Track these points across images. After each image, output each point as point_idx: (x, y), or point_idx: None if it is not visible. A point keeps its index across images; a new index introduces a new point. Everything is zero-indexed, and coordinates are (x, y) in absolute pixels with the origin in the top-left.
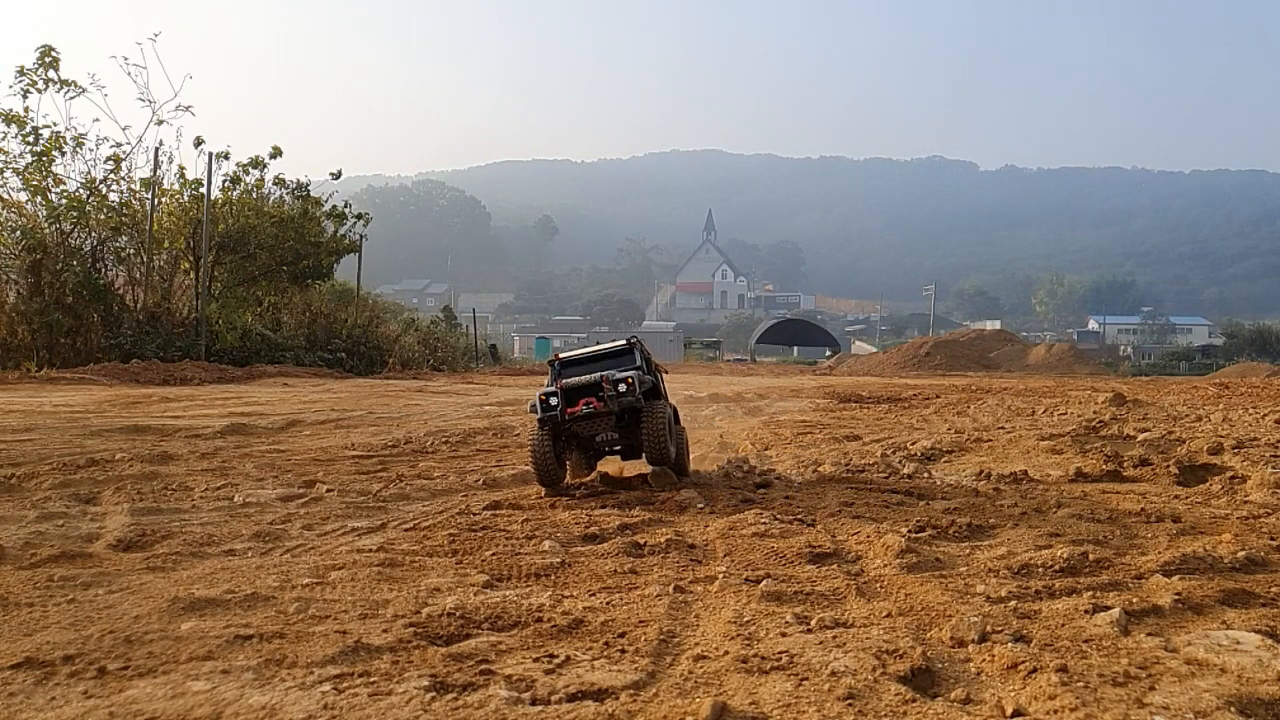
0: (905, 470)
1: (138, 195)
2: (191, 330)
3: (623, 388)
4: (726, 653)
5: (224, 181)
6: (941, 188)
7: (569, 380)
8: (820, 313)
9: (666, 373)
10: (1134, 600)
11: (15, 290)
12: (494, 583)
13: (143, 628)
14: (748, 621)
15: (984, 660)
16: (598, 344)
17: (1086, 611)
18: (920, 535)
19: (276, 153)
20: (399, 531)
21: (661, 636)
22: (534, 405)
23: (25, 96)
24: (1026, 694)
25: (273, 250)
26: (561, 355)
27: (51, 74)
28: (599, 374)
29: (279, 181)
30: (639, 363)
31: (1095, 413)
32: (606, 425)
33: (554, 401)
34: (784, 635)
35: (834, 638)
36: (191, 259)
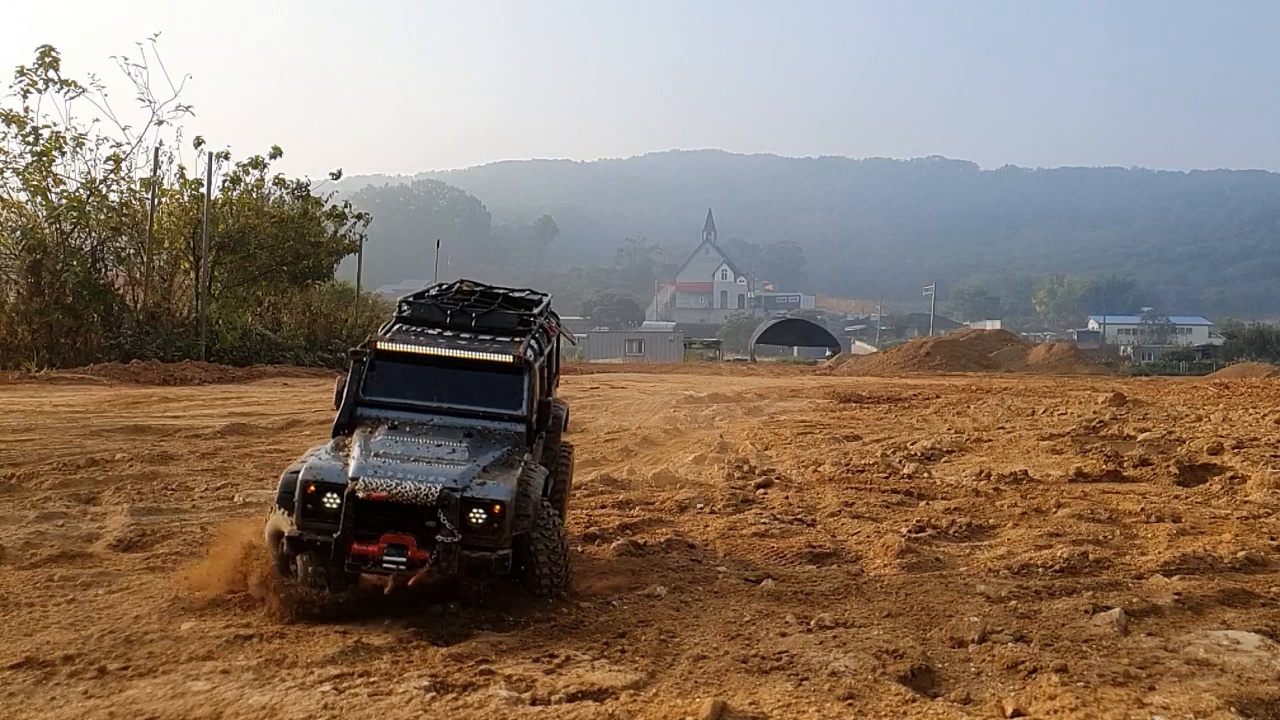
0: (905, 470)
1: (138, 195)
2: (191, 330)
3: (479, 518)
4: (726, 653)
5: (224, 181)
6: (941, 188)
7: (373, 480)
8: (820, 313)
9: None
10: (1134, 600)
11: (15, 290)
12: None
13: (143, 628)
14: (748, 621)
15: (984, 660)
16: (458, 287)
17: (1086, 611)
18: (920, 535)
19: (276, 153)
20: None
21: (661, 636)
22: (281, 500)
23: (25, 96)
24: (1026, 694)
25: (273, 250)
26: (380, 342)
27: (51, 74)
28: (441, 484)
29: (279, 181)
30: (525, 410)
31: (1095, 413)
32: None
33: (328, 505)
34: (784, 635)
35: (834, 638)
36: (191, 259)
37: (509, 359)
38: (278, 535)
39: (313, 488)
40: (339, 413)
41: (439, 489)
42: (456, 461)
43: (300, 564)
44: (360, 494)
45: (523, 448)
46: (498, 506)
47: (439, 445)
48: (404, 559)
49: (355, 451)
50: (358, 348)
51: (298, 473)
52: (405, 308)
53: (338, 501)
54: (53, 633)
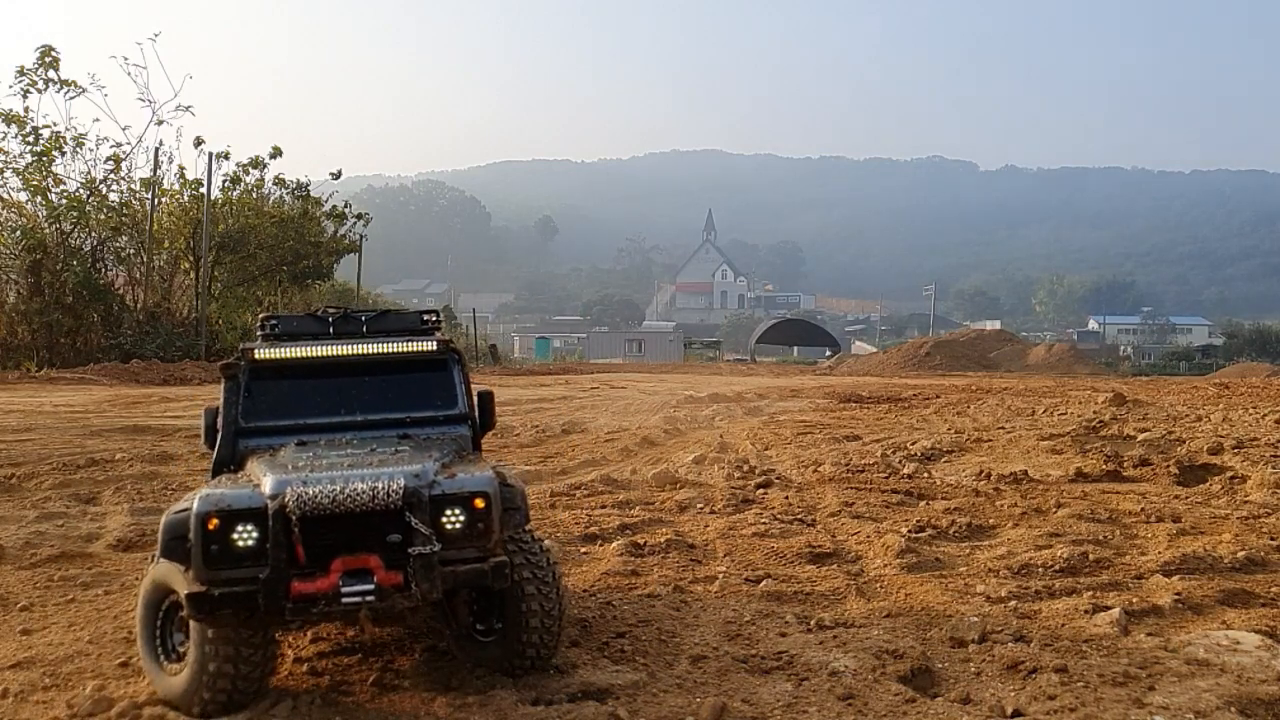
0: (905, 470)
1: (138, 195)
2: (191, 330)
3: (457, 520)
4: (726, 653)
5: (224, 181)
6: (941, 188)
7: (308, 489)
8: (820, 313)
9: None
10: (1134, 600)
11: (15, 290)
12: None
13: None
14: (748, 621)
15: (984, 660)
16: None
17: (1086, 611)
18: (920, 535)
19: (276, 153)
20: None
21: (661, 637)
22: (168, 549)
23: (25, 96)
24: (1026, 694)
25: (273, 250)
26: (259, 351)
27: (51, 74)
28: (403, 479)
29: (279, 181)
30: (463, 406)
31: (1095, 413)
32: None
33: (242, 542)
34: (784, 635)
35: (834, 638)
36: (191, 259)
37: (433, 346)
38: (160, 602)
39: (216, 521)
40: (217, 447)
41: (402, 483)
42: (406, 460)
43: (201, 643)
44: (294, 509)
45: (470, 452)
46: (479, 500)
47: (372, 450)
48: (370, 587)
49: (261, 473)
50: (229, 360)
51: (186, 510)
52: (271, 325)
53: (256, 535)
54: (53, 633)
